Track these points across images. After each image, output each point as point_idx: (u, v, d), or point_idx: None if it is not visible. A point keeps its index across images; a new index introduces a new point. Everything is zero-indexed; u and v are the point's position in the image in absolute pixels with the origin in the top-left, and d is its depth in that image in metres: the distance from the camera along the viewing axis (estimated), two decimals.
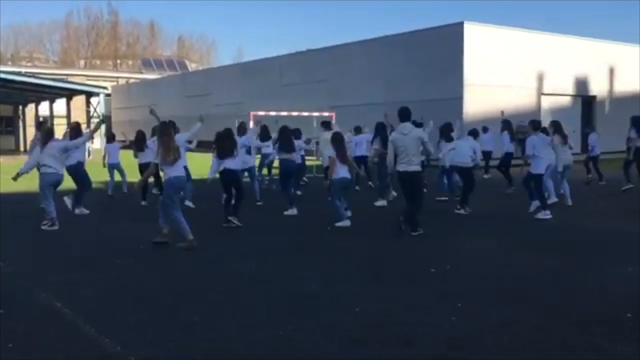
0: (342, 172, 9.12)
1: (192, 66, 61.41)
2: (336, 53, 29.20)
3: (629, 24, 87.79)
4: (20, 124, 40.94)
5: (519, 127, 15.39)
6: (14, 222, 9.99)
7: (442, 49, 23.70)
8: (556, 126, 10.92)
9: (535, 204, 10.29)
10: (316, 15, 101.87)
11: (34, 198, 10.07)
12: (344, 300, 5.30)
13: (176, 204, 7.80)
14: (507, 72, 24.27)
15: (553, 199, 10.75)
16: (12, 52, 68.65)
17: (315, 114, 18.68)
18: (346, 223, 9.08)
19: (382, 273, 6.39)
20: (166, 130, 7.84)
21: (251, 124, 15.84)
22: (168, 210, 7.72)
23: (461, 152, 10.85)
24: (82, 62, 69.28)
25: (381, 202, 11.50)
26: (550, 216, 9.81)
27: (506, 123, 15.06)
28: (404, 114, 8.27)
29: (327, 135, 11.80)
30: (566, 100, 27.27)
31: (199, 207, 11.02)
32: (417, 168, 8.33)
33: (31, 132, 40.39)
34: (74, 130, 10.66)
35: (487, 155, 16.37)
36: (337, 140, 9.40)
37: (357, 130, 14.41)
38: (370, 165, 13.43)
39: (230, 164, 9.15)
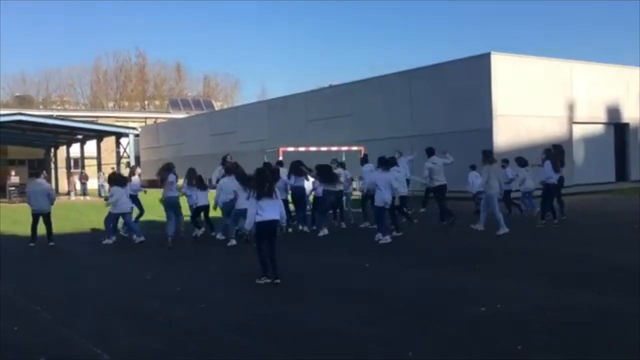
0: (169, 192, 11.44)
1: (217, 105, 62.31)
2: (360, 87, 29.20)
3: None
4: (52, 165, 41.71)
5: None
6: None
7: (470, 80, 23.48)
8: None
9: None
10: (339, 50, 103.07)
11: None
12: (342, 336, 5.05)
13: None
14: (537, 101, 23.94)
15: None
16: (44, 96, 70.64)
17: (344, 148, 18.55)
18: (168, 243, 10.99)
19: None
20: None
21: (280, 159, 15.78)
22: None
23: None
24: (111, 104, 70.88)
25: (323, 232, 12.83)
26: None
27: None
28: (365, 159, 14.29)
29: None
30: (599, 128, 26.78)
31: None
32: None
33: (62, 173, 41.21)
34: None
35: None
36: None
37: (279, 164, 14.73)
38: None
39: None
